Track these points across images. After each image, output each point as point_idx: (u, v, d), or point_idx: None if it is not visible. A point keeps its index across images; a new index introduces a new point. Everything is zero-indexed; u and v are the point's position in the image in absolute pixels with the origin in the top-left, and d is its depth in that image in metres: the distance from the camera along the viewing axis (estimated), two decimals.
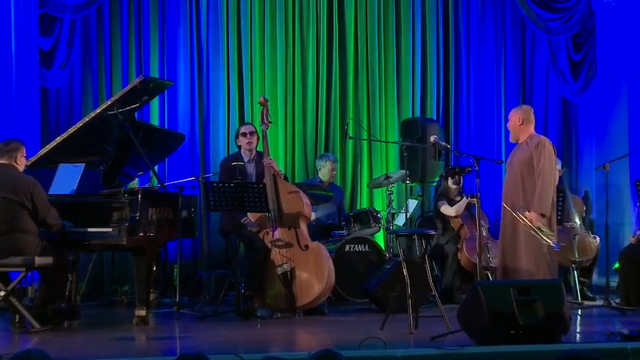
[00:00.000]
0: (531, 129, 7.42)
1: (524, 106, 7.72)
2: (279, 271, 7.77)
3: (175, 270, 9.15)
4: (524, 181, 7.26)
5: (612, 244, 9.12)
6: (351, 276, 8.75)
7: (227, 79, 10.22)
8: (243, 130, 8.38)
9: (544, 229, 7.10)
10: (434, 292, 7.01)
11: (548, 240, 7.05)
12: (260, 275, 7.81)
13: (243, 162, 8.27)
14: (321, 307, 8.06)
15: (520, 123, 7.39)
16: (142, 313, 7.30)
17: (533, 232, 7.07)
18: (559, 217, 8.56)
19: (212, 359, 4.33)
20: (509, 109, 7.85)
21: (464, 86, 10.90)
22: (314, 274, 7.81)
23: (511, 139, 7.53)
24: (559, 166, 8.91)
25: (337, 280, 8.21)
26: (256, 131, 8.37)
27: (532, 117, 7.45)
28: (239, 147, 8.39)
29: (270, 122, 8.23)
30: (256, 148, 8.36)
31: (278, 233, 7.88)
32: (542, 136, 7.45)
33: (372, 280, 8.39)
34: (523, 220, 7.10)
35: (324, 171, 9.51)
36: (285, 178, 8.31)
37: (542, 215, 7.12)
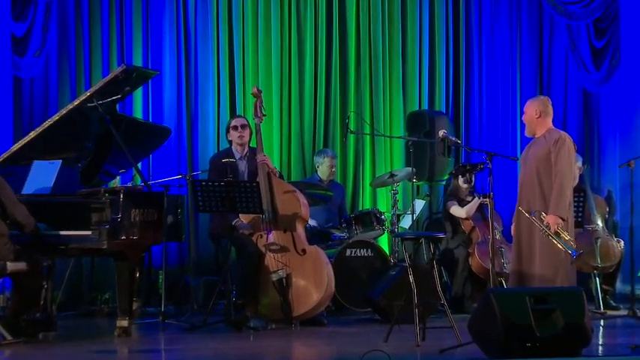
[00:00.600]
0: (549, 122, 7.41)
1: (542, 97, 7.70)
2: (274, 277, 7.77)
3: (160, 276, 9.14)
4: (540, 179, 7.25)
5: (637, 249, 9.11)
6: (352, 283, 8.75)
7: (217, 68, 10.21)
8: (234, 122, 8.38)
9: (563, 233, 7.09)
10: (443, 301, 7.00)
11: (564, 247, 7.03)
12: (253, 282, 7.80)
13: (235, 159, 8.26)
14: (319, 317, 8.05)
15: (537, 116, 7.37)
16: (124, 323, 7.30)
17: (551, 238, 7.05)
18: (579, 219, 8.56)
19: None
20: (525, 100, 7.84)
21: (475, 76, 10.89)
22: (312, 280, 7.80)
23: (527, 133, 7.51)
24: (579, 164, 8.91)
25: (337, 288, 8.21)
26: (249, 124, 8.36)
27: (550, 109, 7.44)
28: (230, 142, 8.38)
29: (264, 115, 8.22)
30: (249, 143, 8.36)
31: (273, 236, 7.87)
32: (562, 132, 7.43)
33: (375, 288, 8.39)
34: (540, 226, 7.08)
35: (323, 168, 9.50)
36: (281, 177, 8.31)
37: (561, 218, 7.10)
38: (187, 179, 8.61)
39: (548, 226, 7.05)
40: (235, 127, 8.31)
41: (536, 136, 7.42)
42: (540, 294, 5.99)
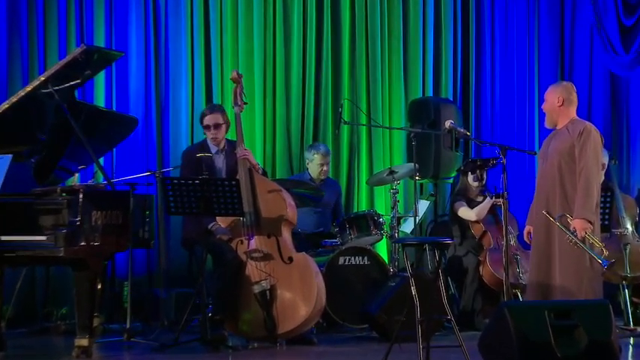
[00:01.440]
0: (573, 112, 7.42)
1: (566, 83, 7.71)
2: (256, 289, 7.75)
3: (126, 288, 9.12)
4: (562, 176, 7.26)
5: None
6: (346, 296, 8.74)
7: (191, 48, 10.18)
8: (206, 121, 8.27)
9: (593, 240, 7.09)
10: (449, 316, 7.00)
11: (595, 256, 7.03)
12: (232, 295, 7.79)
13: (211, 153, 8.24)
14: (308, 334, 8.05)
15: (559, 104, 7.38)
16: (84, 342, 7.26)
17: (579, 246, 7.05)
18: (606, 223, 8.56)
19: None
20: (544, 87, 7.87)
21: (487, 59, 10.90)
22: (300, 293, 7.79)
23: (547, 124, 7.53)
24: (606, 159, 8.91)
25: (329, 301, 8.20)
26: (225, 120, 8.28)
27: (575, 97, 7.45)
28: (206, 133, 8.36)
29: (246, 103, 8.20)
30: (225, 135, 8.32)
31: (255, 242, 7.86)
32: (587, 122, 7.45)
33: (372, 301, 8.39)
34: (567, 232, 7.08)
35: (312, 166, 9.49)
36: (264, 174, 8.30)
37: (588, 222, 7.10)
38: (157, 177, 8.58)
39: (575, 232, 7.05)
40: (208, 128, 8.26)
41: (557, 128, 7.43)
42: (561, 308, 6.00)
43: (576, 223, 7.10)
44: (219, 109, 8.49)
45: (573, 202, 7.19)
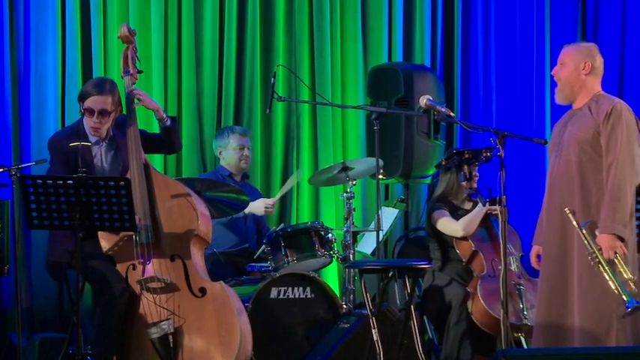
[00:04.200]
0: (597, 85, 7.45)
1: (588, 45, 7.72)
2: (154, 333, 7.72)
3: None
4: (583, 175, 7.30)
5: None
6: (280, 342, 8.76)
7: None
8: (89, 103, 8.08)
9: (622, 267, 7.12)
10: None
11: (619, 289, 7.05)
12: (120, 341, 7.77)
13: (89, 142, 8.16)
14: None
15: (586, 72, 7.40)
16: None
17: (602, 271, 7.09)
18: None
19: None
20: (557, 51, 7.88)
21: (478, 9, 10.96)
22: (215, 338, 7.77)
23: (559, 99, 7.52)
24: None
25: (257, 350, 8.20)
26: (115, 107, 8.08)
27: (600, 63, 7.48)
28: (83, 113, 8.25)
29: (140, 72, 8.18)
30: (110, 126, 8.22)
31: (152, 268, 7.83)
32: (616, 99, 7.47)
33: (317, 350, 8.41)
34: (589, 246, 7.12)
35: (229, 153, 9.54)
36: (174, 122, 8.25)
37: (619, 238, 7.13)
38: (12, 175, 8.53)
39: (599, 251, 7.08)
40: (89, 112, 8.11)
41: (574, 106, 7.46)
42: (582, 358, 6.03)
43: (602, 240, 7.11)
44: (111, 90, 8.24)
45: (598, 210, 7.22)
